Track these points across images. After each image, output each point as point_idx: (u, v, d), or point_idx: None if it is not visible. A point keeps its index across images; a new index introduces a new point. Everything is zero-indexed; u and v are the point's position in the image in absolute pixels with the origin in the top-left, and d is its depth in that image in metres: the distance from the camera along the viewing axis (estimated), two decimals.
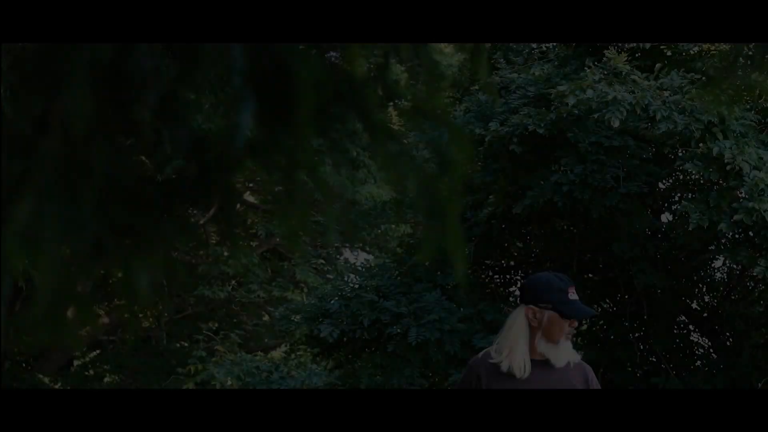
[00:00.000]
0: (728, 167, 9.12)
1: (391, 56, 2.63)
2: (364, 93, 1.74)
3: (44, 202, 1.46)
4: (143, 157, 1.70)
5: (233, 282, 19.97)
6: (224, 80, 1.76)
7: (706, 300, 13.00)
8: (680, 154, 10.40)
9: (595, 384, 4.57)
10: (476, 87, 12.17)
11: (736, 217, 9.10)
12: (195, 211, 1.71)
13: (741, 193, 9.14)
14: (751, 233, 9.64)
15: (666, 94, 9.49)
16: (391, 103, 2.19)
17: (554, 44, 12.61)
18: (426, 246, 1.87)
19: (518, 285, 4.98)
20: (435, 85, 2.62)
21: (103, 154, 1.50)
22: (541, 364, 4.48)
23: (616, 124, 9.32)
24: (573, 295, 4.50)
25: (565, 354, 4.49)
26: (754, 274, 9.58)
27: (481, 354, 4.63)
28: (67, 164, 1.46)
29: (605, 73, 9.91)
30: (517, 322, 4.50)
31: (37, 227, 1.46)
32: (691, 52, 11.16)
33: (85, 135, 1.47)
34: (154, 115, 1.62)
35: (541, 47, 12.69)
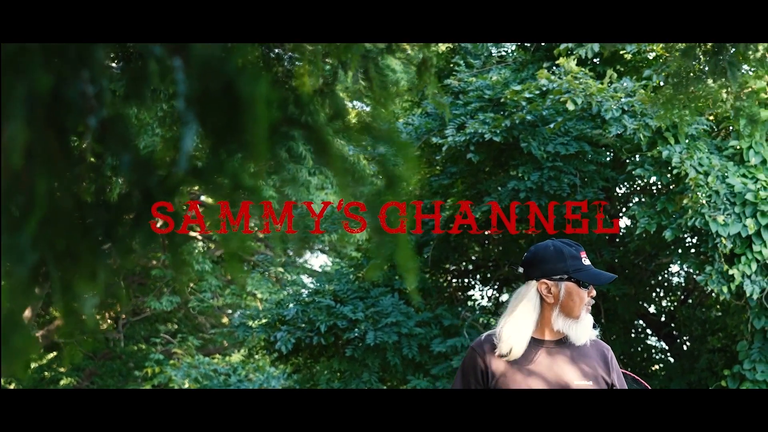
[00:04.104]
0: (675, 171, 9.24)
1: (340, 71, 2.61)
2: (312, 113, 1.73)
3: None
4: (86, 182, 1.68)
5: (190, 286, 19.89)
6: (169, 101, 1.74)
7: (664, 304, 13.09)
8: (630, 159, 10.50)
9: (615, 364, 4.05)
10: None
11: (679, 220, 9.22)
12: (138, 239, 1.67)
13: (689, 197, 9.23)
14: (697, 237, 9.77)
15: (620, 96, 9.59)
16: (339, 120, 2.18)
17: (512, 50, 12.66)
18: (376, 262, 1.85)
19: (522, 259, 4.08)
20: (385, 96, 2.61)
21: (44, 181, 1.48)
22: (557, 343, 3.96)
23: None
24: (587, 260, 4.01)
25: (586, 330, 3.94)
26: (698, 280, 9.69)
27: (484, 336, 4.03)
28: (8, 193, 1.45)
29: (560, 78, 9.99)
30: (526, 300, 3.95)
31: None
32: (649, 57, 11.25)
33: (26, 164, 1.45)
34: (96, 140, 1.60)
35: (500, 51, 12.74)
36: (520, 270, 4.11)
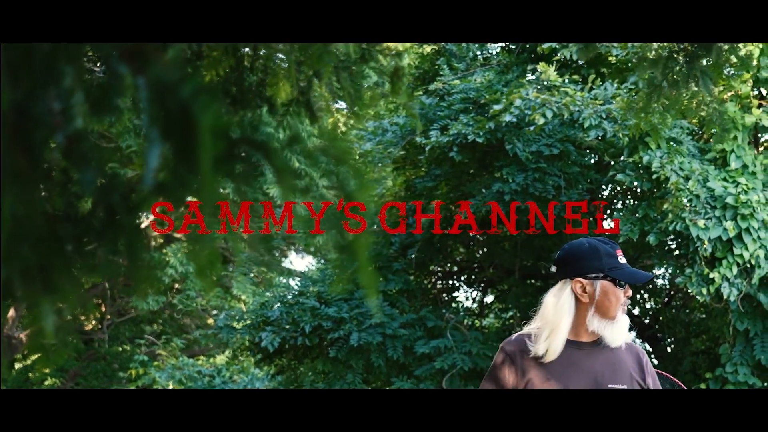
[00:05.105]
0: (655, 176, 9.28)
1: (314, 80, 2.62)
2: (270, 135, 1.74)
3: None
4: (54, 197, 1.69)
5: (175, 287, 19.84)
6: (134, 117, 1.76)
7: (648, 306, 13.11)
8: (612, 163, 10.54)
9: (651, 368, 3.91)
10: (419, 92, 12.18)
11: (660, 224, 9.28)
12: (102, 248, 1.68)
13: (670, 201, 9.28)
14: (679, 239, 9.81)
15: (599, 103, 9.62)
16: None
17: (496, 51, 12.67)
18: (338, 279, 1.87)
19: (555, 257, 3.80)
20: (359, 105, 2.62)
21: (9, 197, 1.50)
22: (592, 345, 3.82)
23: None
24: (623, 259, 3.84)
25: (622, 332, 3.79)
26: (677, 282, 9.75)
27: (514, 336, 3.89)
28: None
29: (538, 87, 10.00)
30: (562, 299, 3.81)
31: None
32: (633, 60, 11.27)
33: None
34: (63, 156, 1.61)
35: (484, 53, 12.75)
36: (553, 269, 3.99)
